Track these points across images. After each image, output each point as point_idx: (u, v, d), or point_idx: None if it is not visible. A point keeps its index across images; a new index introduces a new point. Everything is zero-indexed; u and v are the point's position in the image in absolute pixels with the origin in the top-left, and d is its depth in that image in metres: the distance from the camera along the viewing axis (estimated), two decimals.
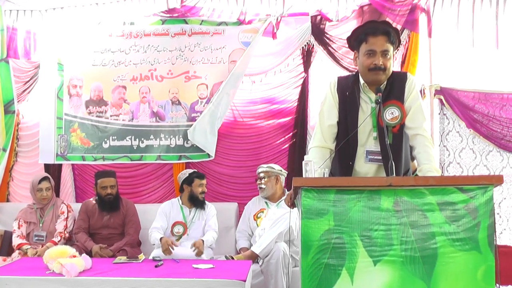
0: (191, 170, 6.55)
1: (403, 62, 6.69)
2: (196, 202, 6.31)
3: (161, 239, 5.81)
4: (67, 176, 7.48)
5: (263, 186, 6.34)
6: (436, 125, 6.61)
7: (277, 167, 6.49)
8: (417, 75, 6.53)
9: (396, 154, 3.64)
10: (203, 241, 5.82)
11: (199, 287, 4.45)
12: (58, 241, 6.31)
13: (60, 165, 7.45)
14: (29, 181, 6.93)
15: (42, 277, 4.61)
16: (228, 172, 7.22)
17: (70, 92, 7.33)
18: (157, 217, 6.23)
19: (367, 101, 3.81)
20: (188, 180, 6.34)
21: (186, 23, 7.16)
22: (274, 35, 6.97)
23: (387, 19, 6.29)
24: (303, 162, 3.36)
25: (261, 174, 6.40)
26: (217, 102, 6.89)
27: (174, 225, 6.17)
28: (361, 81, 3.83)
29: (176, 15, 7.17)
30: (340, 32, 6.84)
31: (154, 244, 5.93)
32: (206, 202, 6.41)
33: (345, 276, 2.90)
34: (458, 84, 6.63)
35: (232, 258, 5.75)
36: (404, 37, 6.61)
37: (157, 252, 5.77)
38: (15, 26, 7.61)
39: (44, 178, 6.64)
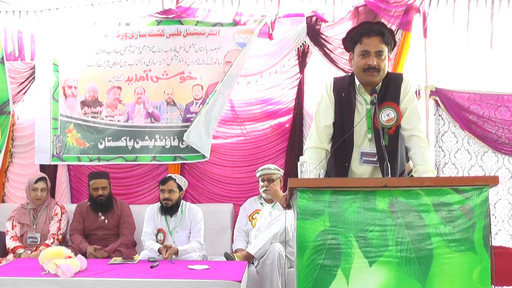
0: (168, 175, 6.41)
1: (393, 62, 6.68)
2: (164, 211, 6.16)
3: (159, 250, 5.74)
4: (62, 177, 7.48)
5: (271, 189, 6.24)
6: (432, 126, 6.61)
7: (274, 166, 6.49)
8: (412, 75, 6.53)
9: (392, 156, 3.65)
10: (177, 251, 5.69)
11: None
12: (51, 243, 6.29)
13: (56, 166, 7.43)
14: (24, 182, 6.94)
15: (37, 278, 4.60)
16: (224, 173, 7.21)
17: (65, 93, 7.31)
18: (146, 223, 6.16)
19: (362, 103, 3.82)
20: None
21: (181, 24, 7.15)
22: (270, 36, 6.96)
23: (382, 20, 6.31)
24: (299, 163, 3.36)
25: (273, 176, 6.33)
26: (212, 103, 6.87)
27: (158, 231, 6.15)
28: (357, 82, 3.84)
29: (171, 16, 7.16)
30: (335, 33, 6.85)
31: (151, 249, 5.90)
32: (191, 206, 6.29)
33: (341, 277, 2.91)
34: (453, 85, 6.64)
35: (233, 256, 5.72)
36: (398, 37, 6.62)
37: (147, 253, 5.79)
38: (11, 27, 7.60)
39: (40, 178, 6.63)
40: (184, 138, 6.90)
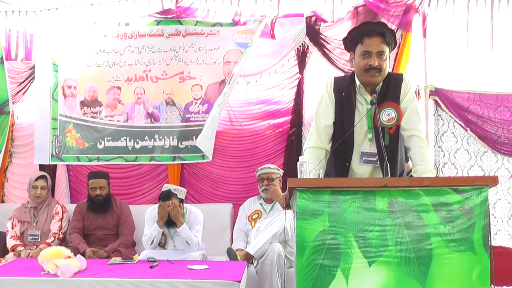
0: (167, 187, 6.11)
1: (394, 62, 6.68)
2: (167, 223, 5.97)
3: (158, 223, 5.82)
4: (62, 177, 7.47)
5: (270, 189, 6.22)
6: (431, 126, 6.61)
7: (274, 166, 6.49)
8: (412, 76, 6.51)
9: (392, 155, 3.66)
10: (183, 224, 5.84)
11: None
12: (52, 242, 6.32)
13: (55, 166, 7.44)
14: (24, 182, 7.01)
15: (37, 278, 4.59)
16: (223, 173, 7.21)
17: (65, 93, 7.31)
18: (147, 224, 6.07)
19: (363, 103, 3.82)
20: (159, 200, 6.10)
21: (181, 24, 7.15)
22: (272, 36, 6.96)
23: (382, 20, 6.31)
24: (298, 163, 3.37)
25: (273, 176, 6.34)
26: (222, 106, 6.81)
27: None
28: (357, 82, 3.84)
29: (171, 16, 7.16)
30: (335, 33, 6.84)
31: (152, 243, 5.87)
32: (192, 209, 6.18)
33: (340, 277, 2.91)
34: (453, 85, 6.64)
35: (235, 253, 5.71)
36: (397, 37, 6.60)
37: (147, 253, 5.77)
38: (10, 27, 7.60)
39: (41, 177, 6.67)
40: (197, 144, 6.74)
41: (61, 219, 6.57)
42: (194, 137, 6.93)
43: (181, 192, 6.07)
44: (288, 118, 7.07)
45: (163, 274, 4.71)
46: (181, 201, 6.05)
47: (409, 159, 3.88)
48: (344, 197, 2.94)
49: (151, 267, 5.08)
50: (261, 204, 6.41)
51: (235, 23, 7.05)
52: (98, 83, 7.30)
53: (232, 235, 6.64)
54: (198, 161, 7.11)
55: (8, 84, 7.28)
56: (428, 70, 6.73)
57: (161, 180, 7.25)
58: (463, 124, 6.55)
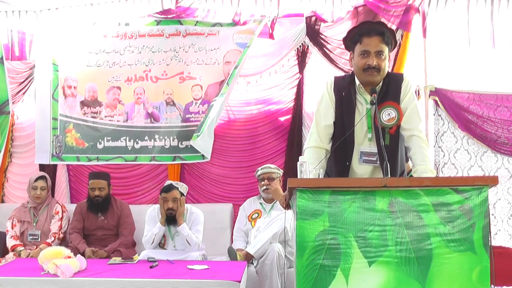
0: (169, 182, 6.16)
1: (394, 62, 6.68)
2: (168, 220, 5.96)
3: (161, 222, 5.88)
4: (62, 177, 7.47)
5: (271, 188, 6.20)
6: (431, 126, 6.61)
7: (274, 166, 6.49)
8: (412, 76, 6.52)
9: (392, 155, 3.66)
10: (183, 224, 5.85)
11: None
12: (52, 242, 6.33)
13: (55, 166, 7.43)
14: (24, 182, 7.00)
15: (37, 278, 4.59)
16: (223, 173, 7.21)
17: (65, 93, 7.31)
18: (147, 224, 6.05)
19: (363, 103, 3.81)
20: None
21: (181, 24, 7.15)
22: (271, 36, 6.96)
23: (382, 20, 6.30)
24: (298, 163, 3.36)
25: (273, 175, 6.33)
26: (221, 106, 6.84)
27: None
28: (357, 82, 3.83)
29: (171, 16, 7.16)
30: (335, 33, 6.84)
31: (152, 242, 5.87)
32: (192, 210, 6.16)
33: (340, 277, 2.90)
34: (453, 85, 6.64)
35: (235, 252, 5.70)
36: (398, 37, 6.60)
37: (147, 253, 5.76)
38: (10, 27, 7.59)
39: (41, 177, 6.67)
40: (192, 144, 6.78)
41: (61, 218, 6.57)
42: None
43: (182, 187, 6.09)
44: (288, 118, 7.06)
45: (163, 274, 4.71)
46: (182, 195, 6.04)
47: (409, 159, 3.88)
48: (344, 197, 2.94)
49: (151, 267, 5.08)
50: (261, 203, 6.41)
51: (235, 23, 7.05)
52: (98, 83, 7.29)
53: (232, 235, 6.64)
54: (198, 161, 7.11)
55: (8, 84, 7.28)
56: (428, 70, 6.73)
57: (161, 180, 7.24)
58: (457, 126, 6.57)
